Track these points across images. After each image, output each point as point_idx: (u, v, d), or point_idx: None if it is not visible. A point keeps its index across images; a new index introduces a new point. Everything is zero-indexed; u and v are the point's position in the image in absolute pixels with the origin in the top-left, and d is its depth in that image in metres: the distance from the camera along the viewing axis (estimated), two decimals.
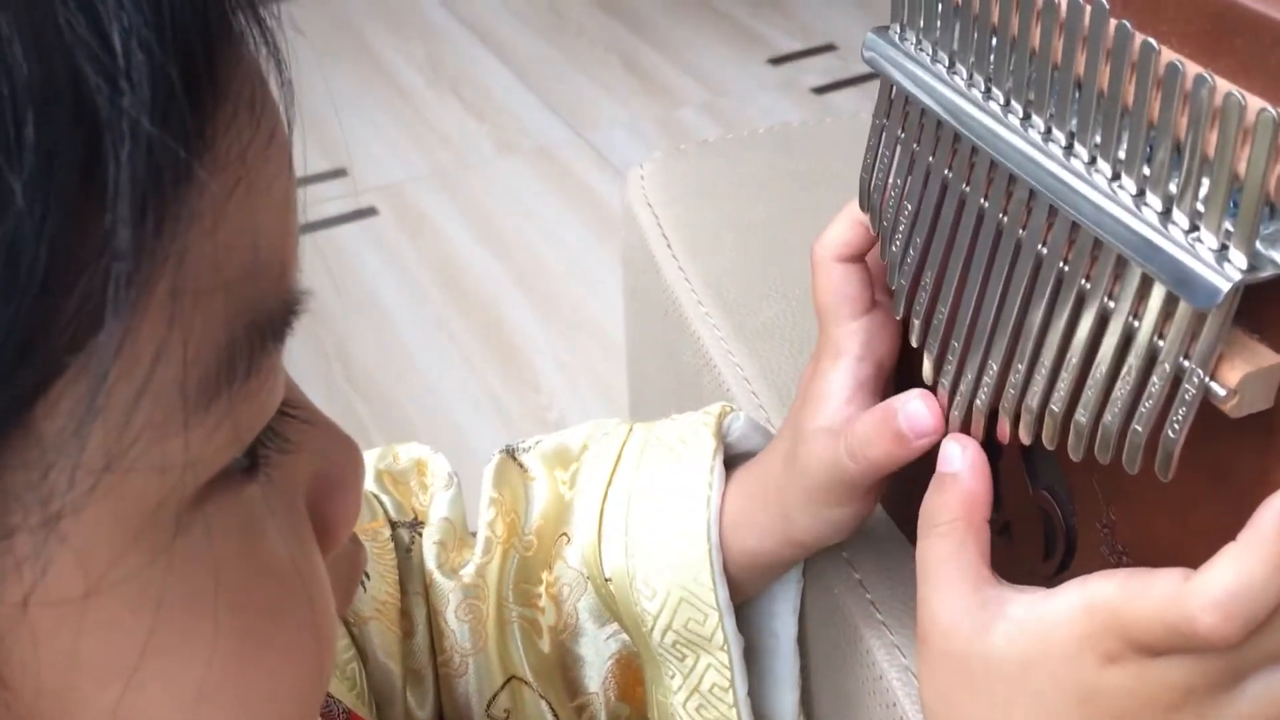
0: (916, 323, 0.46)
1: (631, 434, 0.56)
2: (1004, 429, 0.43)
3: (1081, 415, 0.39)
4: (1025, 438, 0.42)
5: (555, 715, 0.56)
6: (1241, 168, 0.33)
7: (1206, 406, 0.36)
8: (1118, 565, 0.43)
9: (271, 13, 0.25)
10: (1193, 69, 0.34)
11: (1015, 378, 0.42)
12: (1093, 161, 0.37)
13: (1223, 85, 0.33)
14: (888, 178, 0.47)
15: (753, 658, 0.55)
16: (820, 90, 2.17)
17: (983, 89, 0.41)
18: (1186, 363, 0.36)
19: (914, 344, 0.47)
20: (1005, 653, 0.40)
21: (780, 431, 0.53)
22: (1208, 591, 0.35)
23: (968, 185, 0.42)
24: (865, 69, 0.46)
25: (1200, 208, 0.34)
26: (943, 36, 0.43)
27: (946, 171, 0.43)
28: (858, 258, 0.50)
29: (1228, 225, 0.34)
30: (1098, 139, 0.37)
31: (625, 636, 0.55)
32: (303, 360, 1.60)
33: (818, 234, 0.51)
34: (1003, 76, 0.40)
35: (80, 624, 0.24)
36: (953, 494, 0.43)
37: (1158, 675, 0.37)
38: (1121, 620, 0.38)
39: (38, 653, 0.24)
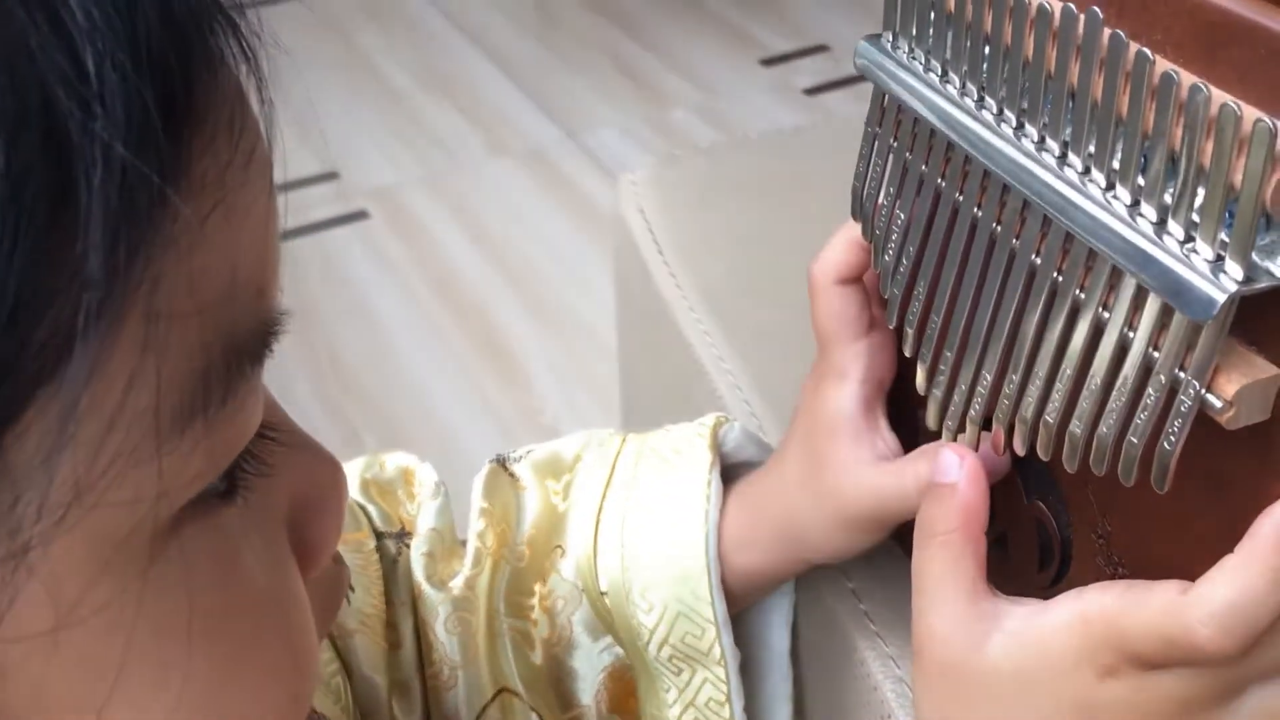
0: (910, 332, 0.46)
1: (625, 444, 0.56)
2: (999, 440, 0.43)
3: (1076, 426, 0.39)
4: (1020, 448, 0.41)
5: None
6: (1237, 178, 0.32)
7: (1203, 418, 0.35)
8: (1114, 576, 0.42)
9: (253, 30, 0.25)
10: (1188, 79, 0.33)
11: (1009, 388, 0.41)
12: (1086, 171, 0.37)
13: (1218, 95, 0.33)
14: (880, 186, 0.46)
15: (746, 669, 0.55)
16: (812, 91, 2.17)
17: (975, 98, 0.41)
18: (1182, 374, 0.35)
19: (907, 354, 0.46)
20: (1001, 666, 0.40)
21: (784, 451, 0.52)
22: (1206, 604, 0.35)
23: (961, 194, 0.42)
24: None
25: (1196, 218, 0.34)
26: (935, 45, 0.42)
27: (939, 181, 0.43)
28: (855, 279, 0.50)
29: (1223, 236, 0.33)
30: (1091, 149, 0.37)
31: (619, 649, 0.55)
32: (293, 364, 1.60)
33: (810, 241, 0.50)
34: (996, 85, 0.40)
35: (50, 655, 0.24)
36: (950, 505, 0.42)
37: (1155, 688, 0.37)
38: (1119, 633, 0.37)
39: (5, 684, 0.24)
